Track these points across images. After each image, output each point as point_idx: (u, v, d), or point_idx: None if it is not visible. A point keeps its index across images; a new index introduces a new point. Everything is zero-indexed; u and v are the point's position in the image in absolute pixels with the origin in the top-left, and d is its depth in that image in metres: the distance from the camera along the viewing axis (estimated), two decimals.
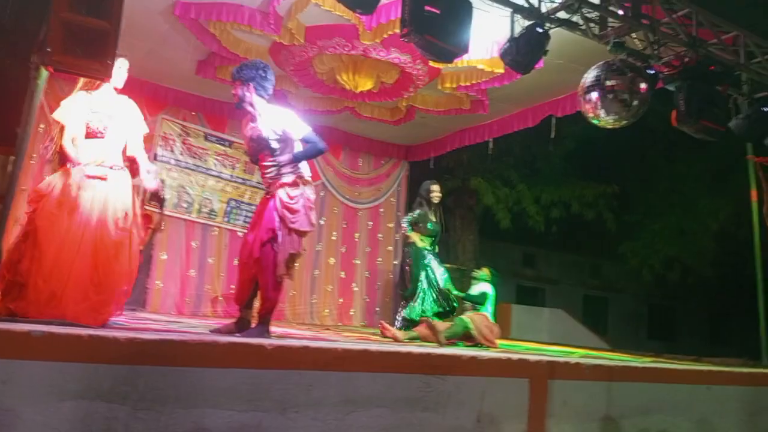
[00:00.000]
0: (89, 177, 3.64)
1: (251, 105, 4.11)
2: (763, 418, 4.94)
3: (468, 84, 6.80)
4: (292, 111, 4.24)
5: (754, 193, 6.41)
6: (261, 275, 3.99)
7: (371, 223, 9.81)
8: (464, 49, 4.36)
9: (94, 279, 3.45)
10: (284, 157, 4.10)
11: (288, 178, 4.10)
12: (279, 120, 4.11)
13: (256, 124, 4.14)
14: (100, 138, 3.74)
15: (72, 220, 3.42)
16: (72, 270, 3.35)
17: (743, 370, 5.29)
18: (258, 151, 4.21)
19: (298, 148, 4.16)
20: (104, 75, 2.73)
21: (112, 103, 3.87)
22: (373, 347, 3.42)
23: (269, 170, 4.16)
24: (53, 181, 3.60)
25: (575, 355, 5.70)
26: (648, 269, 14.23)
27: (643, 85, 4.60)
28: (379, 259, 9.83)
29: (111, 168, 3.78)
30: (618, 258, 15.04)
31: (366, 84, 6.75)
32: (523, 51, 4.61)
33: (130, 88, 7.57)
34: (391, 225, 10.02)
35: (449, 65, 6.18)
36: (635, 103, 4.58)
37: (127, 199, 3.82)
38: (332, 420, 3.03)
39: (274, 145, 4.09)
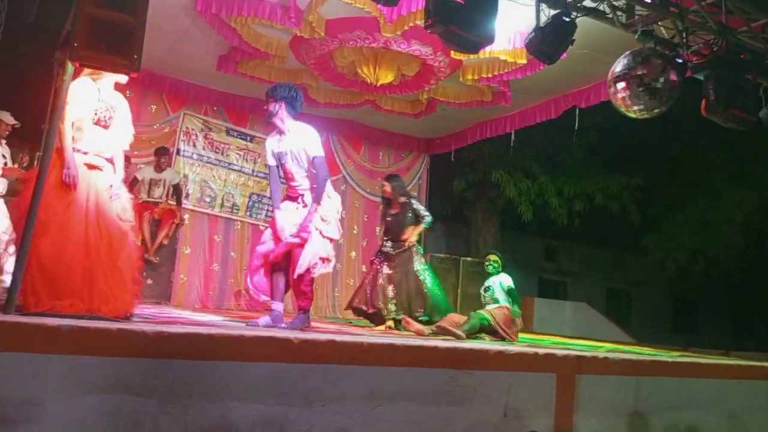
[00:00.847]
0: (89, 167, 3.52)
1: (281, 121, 4.52)
2: None
3: (490, 75, 6.73)
4: (314, 130, 4.61)
5: None
6: (294, 274, 4.39)
7: None
8: (490, 40, 4.30)
9: (107, 271, 3.38)
10: (306, 184, 4.58)
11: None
12: (303, 137, 4.52)
13: (282, 138, 4.57)
14: (104, 128, 3.62)
15: (72, 212, 3.34)
16: (84, 262, 3.28)
17: None
18: (282, 163, 4.62)
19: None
20: (131, 69, 2.72)
21: (113, 95, 3.74)
22: (399, 341, 3.40)
23: (296, 182, 4.59)
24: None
25: (601, 349, 5.62)
26: (672, 262, 14.04)
27: (672, 74, 4.51)
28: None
29: (108, 160, 3.68)
30: (641, 251, 14.84)
31: (387, 77, 6.71)
32: (549, 40, 4.54)
33: (152, 84, 7.77)
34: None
35: (471, 57, 6.12)
36: (665, 92, 4.49)
37: (122, 197, 3.72)
38: (358, 414, 3.02)
39: (300, 158, 4.53)
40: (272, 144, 4.63)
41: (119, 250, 3.47)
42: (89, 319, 2.88)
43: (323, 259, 4.42)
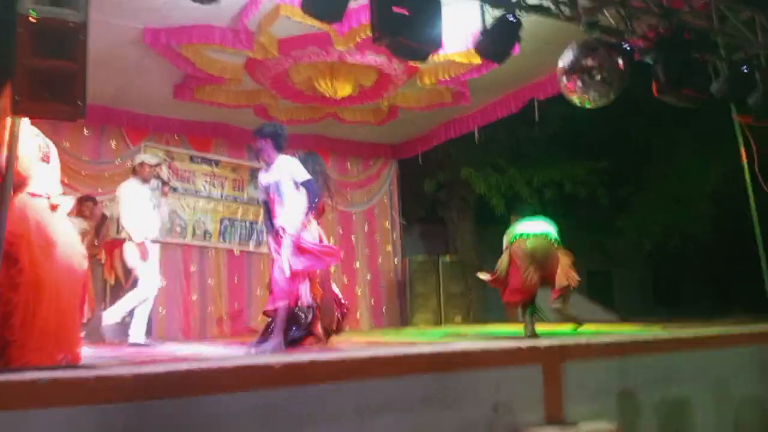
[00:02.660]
0: (52, 208, 3.38)
1: (268, 156, 4.97)
2: None
3: (447, 78, 6.80)
4: (297, 160, 5.04)
5: (743, 153, 6.41)
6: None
7: (367, 225, 9.82)
8: (437, 46, 4.34)
9: (71, 316, 3.33)
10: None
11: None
12: (288, 167, 4.92)
13: (270, 171, 4.98)
14: (46, 163, 3.46)
15: (51, 260, 3.24)
16: (57, 311, 3.23)
17: (753, 328, 5.29)
18: (268, 196, 4.98)
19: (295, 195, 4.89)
20: (77, 116, 2.68)
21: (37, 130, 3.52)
22: (382, 353, 3.40)
23: (276, 217, 4.91)
24: (21, 216, 3.22)
25: (586, 333, 5.68)
26: (647, 240, 14.22)
27: (620, 62, 4.59)
28: (380, 259, 9.83)
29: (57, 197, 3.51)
30: (617, 232, 15.02)
31: (345, 89, 6.74)
32: (497, 41, 4.59)
33: (109, 119, 7.70)
34: (388, 225, 10.03)
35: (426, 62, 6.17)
36: (614, 80, 4.57)
37: (73, 236, 3.64)
38: (350, 430, 3.01)
39: (284, 191, 4.87)
40: (262, 178, 5.09)
41: (76, 294, 3.41)
42: (62, 368, 2.84)
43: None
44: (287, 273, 4.66)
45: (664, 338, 4.79)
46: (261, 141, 4.98)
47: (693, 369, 4.56)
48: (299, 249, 4.76)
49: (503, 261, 5.91)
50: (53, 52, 2.64)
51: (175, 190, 8.24)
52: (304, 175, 4.89)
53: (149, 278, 6.09)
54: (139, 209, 6.10)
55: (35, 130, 3.46)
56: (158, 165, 6.54)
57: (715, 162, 12.66)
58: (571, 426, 3.63)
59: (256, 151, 5.11)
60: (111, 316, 5.98)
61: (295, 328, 4.84)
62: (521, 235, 5.87)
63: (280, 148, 4.98)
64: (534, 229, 5.93)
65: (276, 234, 4.85)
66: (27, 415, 2.38)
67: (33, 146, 3.39)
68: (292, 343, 4.87)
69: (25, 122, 3.33)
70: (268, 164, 4.99)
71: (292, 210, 4.85)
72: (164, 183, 6.81)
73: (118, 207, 6.36)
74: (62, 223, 3.47)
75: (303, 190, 4.87)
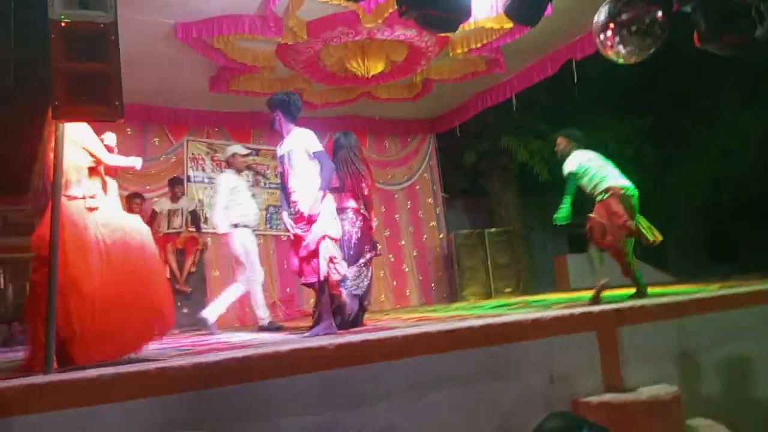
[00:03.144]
0: (90, 210, 3.52)
1: (280, 126, 4.81)
2: None
3: (479, 45, 6.68)
4: (311, 131, 4.81)
5: None
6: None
7: (409, 202, 9.79)
8: (466, 14, 4.24)
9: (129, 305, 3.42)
10: (300, 191, 4.67)
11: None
12: (300, 138, 4.73)
13: (283, 143, 4.81)
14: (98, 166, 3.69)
15: (92, 257, 3.35)
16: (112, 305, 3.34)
17: None
18: (282, 168, 4.82)
19: (307, 166, 4.68)
20: (116, 116, 2.73)
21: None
22: (432, 328, 3.41)
23: (289, 186, 4.73)
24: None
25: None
26: (698, 194, 13.80)
27: (659, 13, 4.40)
28: (425, 236, 9.81)
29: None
30: (666, 188, 14.60)
31: (377, 66, 6.69)
32: (528, 3, 4.46)
33: (150, 117, 7.84)
34: (430, 200, 9.98)
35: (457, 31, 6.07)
36: (653, 32, 4.38)
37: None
38: (405, 407, 3.04)
39: (295, 162, 4.68)
40: (277, 150, 4.93)
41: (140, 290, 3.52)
42: (124, 363, 2.94)
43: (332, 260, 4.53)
44: (305, 251, 4.50)
45: (722, 296, 4.66)
46: (273, 112, 4.82)
47: (754, 326, 4.44)
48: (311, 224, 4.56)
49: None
50: (86, 55, 2.69)
51: (266, 178, 8.52)
52: (317, 146, 4.69)
53: (252, 266, 6.28)
54: (238, 199, 6.20)
55: (73, 134, 3.56)
56: (249, 155, 6.60)
57: (763, 110, 12.14)
58: (631, 391, 3.58)
59: (271, 123, 4.88)
60: (213, 312, 6.14)
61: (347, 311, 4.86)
62: (627, 188, 5.42)
63: (293, 118, 4.79)
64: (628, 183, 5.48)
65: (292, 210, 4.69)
66: (93, 411, 2.48)
67: (71, 151, 3.49)
68: (351, 324, 4.88)
69: (69, 126, 3.47)
70: (282, 135, 4.83)
71: (304, 183, 4.62)
72: (256, 173, 6.84)
73: (215, 196, 6.48)
74: (97, 223, 3.53)
75: (316, 163, 4.65)
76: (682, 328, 4.16)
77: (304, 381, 2.90)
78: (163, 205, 7.48)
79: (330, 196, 4.73)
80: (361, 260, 5.09)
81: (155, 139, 8.11)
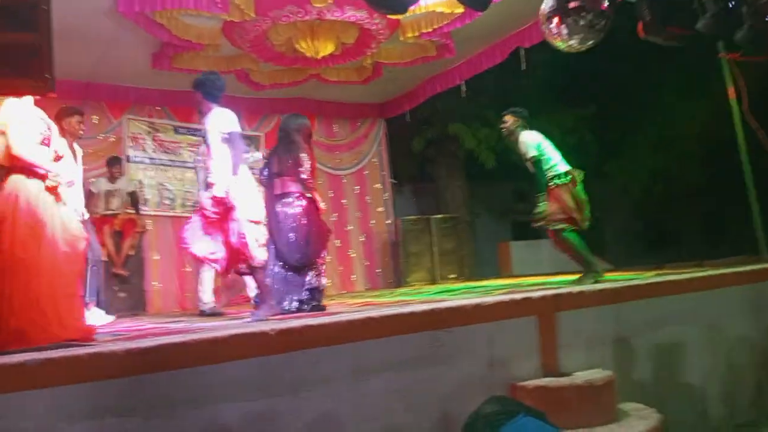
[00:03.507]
0: (49, 189, 3.35)
1: (201, 107, 4.80)
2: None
3: (430, 30, 6.66)
4: (230, 111, 4.73)
5: (731, 91, 6.36)
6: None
7: (358, 187, 9.76)
8: None
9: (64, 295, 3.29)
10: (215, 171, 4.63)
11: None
12: (216, 118, 4.70)
13: (204, 122, 4.79)
14: (46, 146, 3.44)
15: (42, 244, 3.20)
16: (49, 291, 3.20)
17: (744, 268, 5.33)
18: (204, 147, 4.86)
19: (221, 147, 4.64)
20: (46, 90, 2.57)
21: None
22: (376, 313, 3.40)
23: (208, 169, 4.76)
24: (9, 198, 3.23)
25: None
26: (636, 184, 14.25)
27: (604, 3, 4.48)
28: (372, 221, 9.80)
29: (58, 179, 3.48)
30: (605, 178, 15.03)
31: (327, 48, 6.60)
32: None
33: (89, 94, 7.54)
34: (378, 186, 9.97)
35: (407, 14, 6.03)
36: (598, 22, 4.47)
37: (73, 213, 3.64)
38: (345, 393, 3.04)
39: (211, 142, 4.66)
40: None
41: (75, 274, 3.38)
42: (55, 348, 2.83)
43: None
44: (238, 240, 4.47)
45: (656, 282, 4.82)
46: (195, 93, 4.79)
47: (686, 312, 4.61)
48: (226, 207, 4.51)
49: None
50: (13, 25, 2.52)
51: None
52: (230, 127, 4.62)
53: None
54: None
55: (40, 112, 3.42)
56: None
57: (702, 102, 12.59)
58: (566, 376, 3.66)
59: (196, 104, 4.87)
60: (206, 297, 6.09)
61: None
62: (582, 173, 5.49)
63: (213, 98, 4.73)
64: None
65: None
66: (19, 397, 2.37)
67: (33, 128, 3.36)
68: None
69: (27, 104, 3.33)
70: (202, 116, 4.82)
71: (220, 165, 4.58)
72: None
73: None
74: (59, 205, 3.43)
75: (228, 144, 4.61)
76: (617, 314, 4.29)
77: (243, 366, 2.85)
78: (101, 185, 7.22)
79: (248, 179, 4.70)
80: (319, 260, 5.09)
81: (94, 117, 7.80)
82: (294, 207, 4.98)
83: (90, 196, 7.17)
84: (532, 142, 5.56)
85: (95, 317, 5.05)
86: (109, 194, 7.20)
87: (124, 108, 7.90)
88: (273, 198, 5.02)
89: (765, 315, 4.96)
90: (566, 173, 5.49)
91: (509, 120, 5.83)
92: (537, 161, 5.49)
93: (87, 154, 7.61)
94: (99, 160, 7.48)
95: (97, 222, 7.06)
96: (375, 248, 9.71)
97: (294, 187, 5.01)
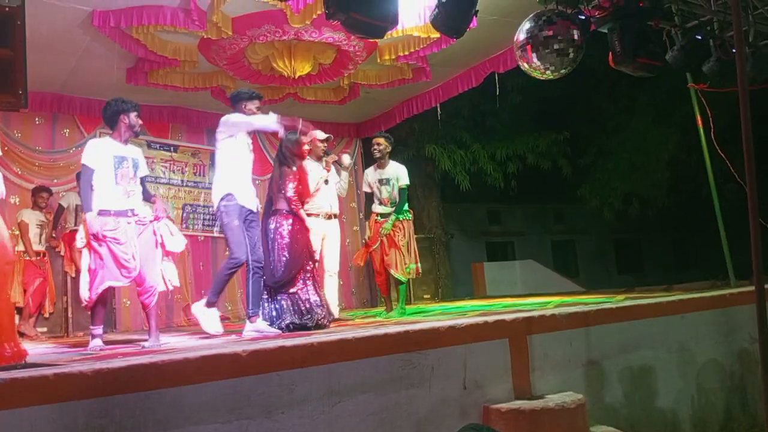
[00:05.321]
0: None
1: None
2: (737, 336, 5.09)
3: (406, 53, 6.73)
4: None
5: (699, 120, 6.53)
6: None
7: None
8: (393, 22, 4.27)
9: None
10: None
11: None
12: None
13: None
14: None
15: None
16: None
17: (713, 293, 5.43)
18: None
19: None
20: (18, 106, 2.54)
21: None
22: (350, 335, 3.38)
23: None
24: None
25: (550, 304, 5.76)
26: (608, 208, 14.52)
27: (576, 33, 4.59)
28: (347, 240, 9.77)
29: None
30: (579, 201, 15.30)
31: (304, 68, 6.62)
32: (453, 14, 4.53)
33: (61, 107, 7.45)
34: (354, 205, 9.97)
35: (385, 37, 6.09)
36: (571, 51, 4.57)
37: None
38: (319, 414, 3.00)
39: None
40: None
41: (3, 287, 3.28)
42: (20, 368, 2.75)
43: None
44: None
45: (626, 306, 4.88)
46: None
47: (655, 335, 4.67)
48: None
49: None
50: None
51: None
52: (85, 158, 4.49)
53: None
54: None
55: None
56: (327, 139, 6.04)
57: (671, 130, 12.93)
58: (538, 398, 3.68)
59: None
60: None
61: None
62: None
63: (109, 123, 4.65)
64: None
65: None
66: None
67: None
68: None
69: None
70: None
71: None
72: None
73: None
74: None
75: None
76: (588, 337, 4.33)
77: (214, 388, 2.80)
78: (71, 199, 7.10)
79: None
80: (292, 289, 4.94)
81: (65, 130, 7.70)
82: (278, 224, 4.96)
83: (60, 211, 7.06)
84: (405, 170, 6.30)
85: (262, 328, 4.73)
86: (79, 209, 7.07)
87: (97, 122, 7.76)
88: (266, 215, 5.08)
89: (734, 339, 5.06)
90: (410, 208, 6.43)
91: (383, 143, 6.38)
92: (406, 190, 6.28)
93: (58, 167, 7.53)
94: (69, 174, 7.36)
95: (66, 238, 6.94)
96: (350, 268, 9.67)
97: (281, 205, 5.02)
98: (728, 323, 5.09)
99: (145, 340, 4.54)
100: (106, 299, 4.59)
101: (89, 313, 4.65)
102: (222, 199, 4.83)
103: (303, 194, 5.20)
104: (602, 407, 4.07)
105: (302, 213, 5.12)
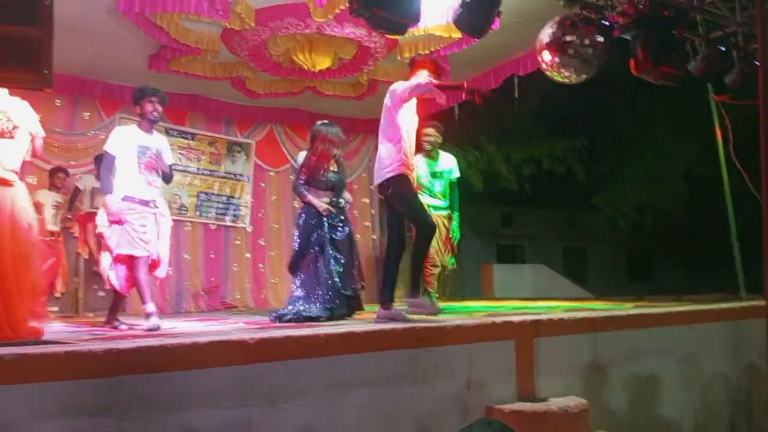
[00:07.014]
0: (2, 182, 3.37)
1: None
2: (745, 350, 5.06)
3: (427, 52, 6.72)
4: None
5: (718, 132, 6.47)
6: None
7: None
8: (415, 19, 4.28)
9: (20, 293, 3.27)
10: None
11: None
12: None
13: None
14: (8, 138, 3.45)
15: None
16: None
17: (723, 305, 5.40)
18: None
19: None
20: (43, 85, 2.57)
21: (10, 103, 3.55)
22: (357, 328, 3.41)
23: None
24: None
25: (559, 309, 5.75)
26: (622, 217, 14.44)
27: (599, 38, 4.57)
28: (358, 236, 9.78)
29: (16, 173, 3.51)
30: (593, 208, 15.22)
31: (324, 62, 6.64)
32: (476, 14, 4.53)
33: (83, 90, 7.52)
34: (366, 200, 9.98)
35: (406, 35, 6.10)
36: (593, 56, 4.56)
37: (31, 210, 3.59)
38: (322, 406, 3.03)
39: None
40: None
41: (29, 270, 3.34)
42: (32, 344, 2.80)
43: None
44: None
45: (634, 314, 4.87)
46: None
47: (662, 345, 4.66)
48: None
49: None
50: (16, 18, 2.52)
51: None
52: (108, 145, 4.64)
53: None
54: None
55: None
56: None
57: (690, 141, 12.83)
58: (541, 401, 3.69)
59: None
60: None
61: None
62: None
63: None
64: None
65: None
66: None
67: None
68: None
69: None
70: None
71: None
72: None
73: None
74: (13, 198, 3.41)
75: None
76: (595, 343, 4.33)
77: (220, 374, 2.84)
78: (87, 182, 7.16)
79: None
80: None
81: (85, 114, 7.76)
82: (300, 215, 5.26)
83: (76, 192, 7.13)
84: (456, 162, 6.17)
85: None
86: (96, 191, 7.14)
87: (117, 106, 7.86)
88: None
89: (742, 353, 5.03)
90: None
91: (434, 134, 6.05)
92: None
93: (76, 149, 7.60)
94: (88, 157, 7.43)
95: (81, 219, 7.02)
96: (360, 263, 9.69)
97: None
98: (737, 337, 5.06)
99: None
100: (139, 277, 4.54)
101: (114, 297, 4.77)
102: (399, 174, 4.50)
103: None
104: (605, 413, 4.06)
105: (313, 200, 5.32)
